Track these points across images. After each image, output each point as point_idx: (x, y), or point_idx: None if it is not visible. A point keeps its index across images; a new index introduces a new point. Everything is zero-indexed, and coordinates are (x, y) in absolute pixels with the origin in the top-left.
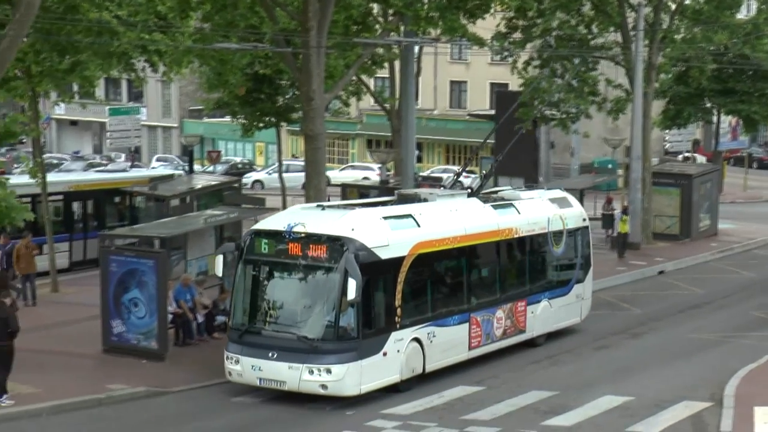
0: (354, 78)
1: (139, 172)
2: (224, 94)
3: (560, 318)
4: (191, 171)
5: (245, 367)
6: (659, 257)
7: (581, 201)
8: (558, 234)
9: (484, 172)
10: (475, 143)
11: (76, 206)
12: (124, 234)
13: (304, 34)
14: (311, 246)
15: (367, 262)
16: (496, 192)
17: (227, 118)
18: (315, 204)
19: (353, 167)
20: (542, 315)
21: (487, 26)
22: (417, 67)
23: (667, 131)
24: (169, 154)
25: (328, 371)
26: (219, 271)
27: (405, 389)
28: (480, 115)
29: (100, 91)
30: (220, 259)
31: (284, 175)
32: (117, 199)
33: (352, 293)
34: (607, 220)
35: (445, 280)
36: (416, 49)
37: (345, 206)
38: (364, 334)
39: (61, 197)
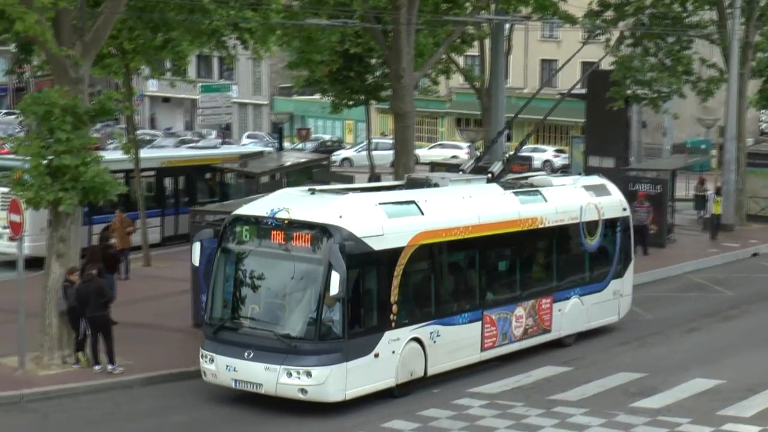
0: (443, 56)
1: (230, 149)
2: (311, 72)
3: (593, 316)
4: (281, 148)
5: (220, 367)
6: (753, 239)
7: (673, 182)
8: (592, 224)
9: (564, 154)
10: (565, 122)
11: (167, 182)
12: (214, 210)
13: (395, 11)
14: (294, 234)
15: (356, 253)
16: (526, 177)
17: (317, 96)
18: (306, 188)
19: (442, 146)
20: (571, 313)
21: (578, 4)
22: (507, 45)
23: (763, 111)
24: (259, 131)
25: (308, 374)
26: (195, 260)
27: (401, 395)
28: (571, 94)
29: (191, 69)
30: (196, 246)
31: (373, 152)
32: (208, 176)
33: (335, 288)
34: (700, 201)
35: (453, 274)
36: (507, 27)
37: (339, 191)
38: (351, 333)
39: (153, 173)
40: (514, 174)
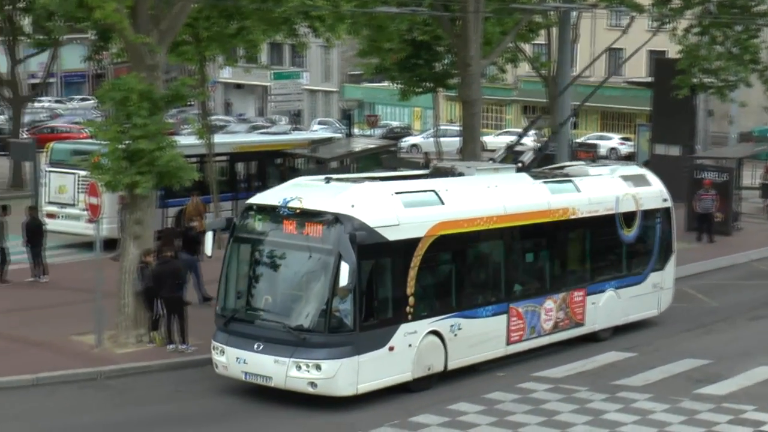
0: (511, 44)
1: (300, 134)
2: (380, 60)
3: (631, 310)
4: (350, 134)
5: (230, 359)
6: None
7: (739, 170)
8: (629, 216)
9: (630, 142)
10: (631, 110)
11: (240, 167)
12: None
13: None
14: (306, 224)
15: (369, 243)
16: (562, 167)
17: (386, 83)
18: (322, 176)
19: (508, 133)
20: (606, 306)
21: None
22: (574, 33)
23: None
24: (329, 117)
25: (318, 367)
26: (208, 250)
27: (418, 389)
28: (637, 82)
29: (264, 56)
30: (209, 236)
31: (440, 139)
32: (278, 161)
33: (344, 279)
34: (766, 190)
35: (475, 266)
36: (574, 15)
37: (357, 179)
38: (364, 326)
39: (226, 158)
40: (578, 161)
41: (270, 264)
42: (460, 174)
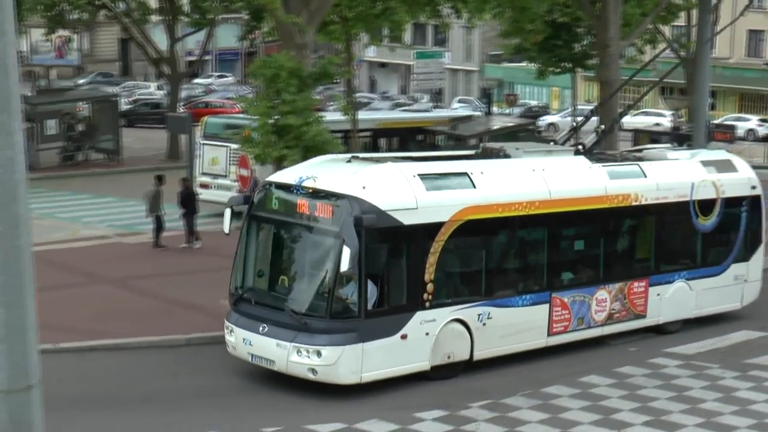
0: (650, 26)
1: (441, 112)
2: (520, 40)
3: (706, 303)
4: (489, 112)
5: (238, 340)
6: None
7: None
8: (707, 203)
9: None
10: None
11: (382, 142)
12: None
13: None
14: (318, 204)
15: (380, 227)
16: (640, 150)
17: (525, 63)
18: (348, 155)
19: (646, 113)
20: (675, 298)
21: None
22: (714, 15)
23: None
24: (469, 96)
25: (318, 354)
26: (226, 227)
27: (437, 378)
28: None
29: (407, 36)
30: (227, 213)
31: (578, 119)
32: (419, 137)
33: (345, 264)
34: None
35: (511, 253)
36: None
37: (380, 159)
38: (370, 312)
39: (369, 134)
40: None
41: (280, 244)
42: (506, 156)
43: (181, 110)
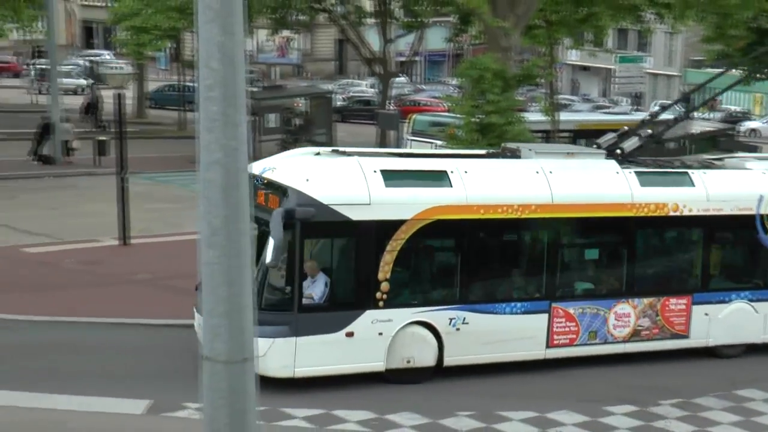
0: None
1: (640, 115)
2: (723, 46)
3: None
4: (689, 117)
5: (197, 326)
6: None
7: None
8: None
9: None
10: None
11: (582, 143)
12: None
13: None
14: (269, 195)
15: (320, 221)
16: (721, 159)
17: (724, 69)
18: (318, 149)
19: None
20: (731, 320)
21: None
22: None
23: None
24: (668, 100)
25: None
26: None
27: (397, 381)
28: None
29: (609, 41)
30: None
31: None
32: None
33: (268, 256)
34: None
35: (496, 258)
36: None
37: (348, 153)
38: (305, 307)
39: (569, 134)
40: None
41: None
42: (516, 156)
43: (391, 107)
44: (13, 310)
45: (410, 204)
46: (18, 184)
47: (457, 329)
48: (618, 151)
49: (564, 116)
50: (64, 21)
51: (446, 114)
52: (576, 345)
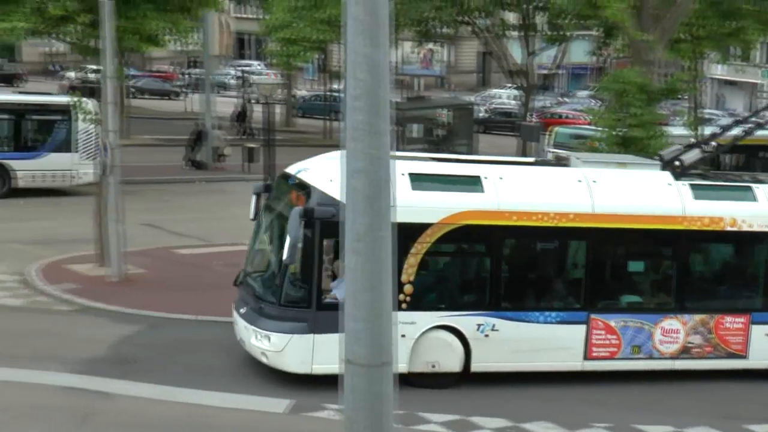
0: None
1: None
2: None
3: None
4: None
5: (234, 319)
6: None
7: None
8: None
9: None
10: None
11: (725, 158)
12: None
13: None
14: (299, 196)
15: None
16: None
17: None
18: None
19: None
20: None
21: None
22: None
23: None
24: None
25: (268, 339)
26: (251, 213)
27: (423, 386)
28: None
29: (757, 55)
30: (253, 200)
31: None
32: (760, 154)
33: (285, 253)
34: None
35: (530, 265)
36: None
37: (396, 158)
38: (324, 304)
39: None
40: None
41: (270, 231)
42: (563, 164)
43: (533, 120)
44: (165, 308)
45: (437, 208)
46: (172, 188)
47: (486, 336)
48: (677, 163)
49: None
50: (218, 32)
51: (588, 127)
52: (617, 359)
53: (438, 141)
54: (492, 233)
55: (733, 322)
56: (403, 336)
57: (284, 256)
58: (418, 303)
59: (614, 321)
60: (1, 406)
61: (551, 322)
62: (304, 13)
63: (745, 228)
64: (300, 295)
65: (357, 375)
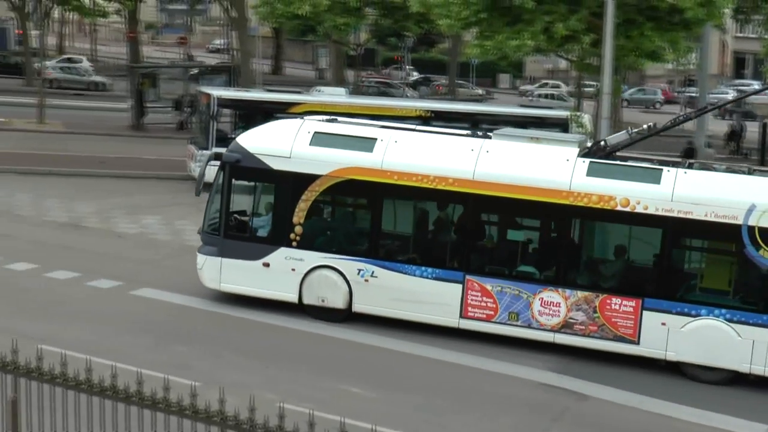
0: None
1: None
2: None
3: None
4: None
5: None
6: None
7: None
8: None
9: None
10: None
11: None
12: None
13: None
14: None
15: (244, 166)
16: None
17: None
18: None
19: None
20: (701, 338)
21: None
22: None
23: None
24: None
25: (197, 258)
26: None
27: (316, 317)
28: None
29: None
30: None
31: None
32: None
33: (197, 189)
34: None
35: (408, 222)
36: None
37: (338, 120)
38: (229, 234)
39: None
40: None
41: None
42: (485, 135)
43: None
44: None
45: (327, 162)
46: None
47: (366, 280)
48: (602, 143)
49: None
50: (716, 51)
51: None
52: (493, 322)
53: None
54: (374, 189)
55: (621, 304)
56: (293, 270)
57: (198, 193)
58: (306, 243)
59: (490, 285)
60: (473, 391)
61: (427, 277)
62: None
63: (639, 209)
64: (216, 225)
65: None
